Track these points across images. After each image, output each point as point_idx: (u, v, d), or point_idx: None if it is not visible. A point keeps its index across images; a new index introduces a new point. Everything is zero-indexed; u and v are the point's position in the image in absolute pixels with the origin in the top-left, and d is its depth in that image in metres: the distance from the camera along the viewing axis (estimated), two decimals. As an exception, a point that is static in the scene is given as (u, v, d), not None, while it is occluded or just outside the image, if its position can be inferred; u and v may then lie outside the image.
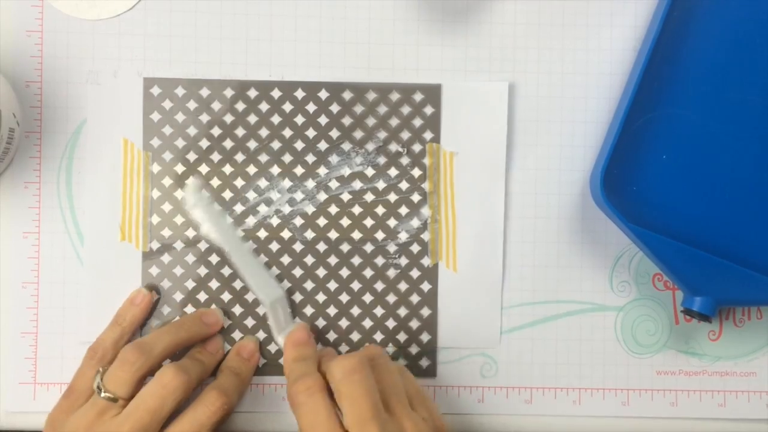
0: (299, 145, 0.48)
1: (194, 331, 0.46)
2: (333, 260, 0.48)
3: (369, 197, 0.48)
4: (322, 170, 0.48)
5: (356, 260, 0.48)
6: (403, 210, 0.49)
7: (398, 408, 0.41)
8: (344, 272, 0.48)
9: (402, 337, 0.49)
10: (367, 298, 0.48)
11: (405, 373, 0.44)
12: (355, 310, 0.48)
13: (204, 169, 0.48)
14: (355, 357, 0.41)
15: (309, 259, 0.48)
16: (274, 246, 0.48)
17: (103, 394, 0.42)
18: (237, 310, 0.48)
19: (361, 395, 0.40)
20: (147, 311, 0.47)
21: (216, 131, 0.48)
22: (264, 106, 0.48)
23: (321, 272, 0.48)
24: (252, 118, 0.48)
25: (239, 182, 0.48)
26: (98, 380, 0.43)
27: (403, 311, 0.49)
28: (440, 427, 0.42)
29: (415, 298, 0.49)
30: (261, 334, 0.48)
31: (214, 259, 0.48)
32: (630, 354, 0.49)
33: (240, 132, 0.48)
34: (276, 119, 0.48)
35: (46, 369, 0.47)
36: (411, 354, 0.49)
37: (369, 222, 0.48)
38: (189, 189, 0.48)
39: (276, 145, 0.48)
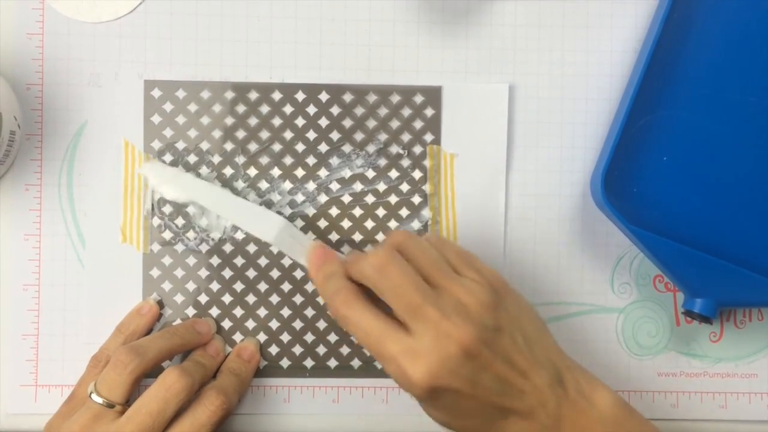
0: (300, 147, 0.48)
1: (187, 339, 0.46)
2: (334, 262, 0.48)
3: (370, 199, 0.48)
4: (323, 172, 0.48)
5: (357, 262, 0.48)
6: (404, 212, 0.49)
7: (444, 280, 0.39)
8: (345, 274, 0.48)
9: (403, 338, 0.48)
10: (368, 299, 0.48)
11: (438, 241, 0.42)
12: (356, 312, 0.48)
13: (204, 171, 0.48)
14: (381, 250, 0.39)
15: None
16: (275, 247, 0.48)
17: (94, 397, 0.42)
18: (238, 312, 0.48)
19: (402, 284, 0.38)
20: (152, 323, 0.47)
21: (216, 133, 0.48)
22: (264, 108, 0.48)
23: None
24: (252, 120, 0.48)
25: (240, 184, 0.48)
26: (92, 385, 0.42)
27: (403, 313, 0.48)
28: (494, 281, 0.40)
29: (415, 300, 0.49)
30: (262, 336, 0.48)
31: (215, 261, 0.48)
32: (631, 355, 0.49)
33: (240, 134, 0.48)
34: (276, 121, 0.48)
35: (47, 371, 0.48)
36: (412, 356, 0.48)
37: (370, 224, 0.48)
38: (145, 171, 0.47)
39: (277, 147, 0.48)
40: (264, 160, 0.48)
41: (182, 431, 0.42)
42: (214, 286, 0.48)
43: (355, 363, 0.48)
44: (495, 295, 0.39)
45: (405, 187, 0.49)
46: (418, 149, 0.49)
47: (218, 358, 0.47)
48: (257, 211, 0.46)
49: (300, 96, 0.48)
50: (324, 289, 0.42)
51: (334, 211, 0.48)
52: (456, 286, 0.39)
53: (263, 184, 0.48)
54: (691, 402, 0.49)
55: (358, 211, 0.48)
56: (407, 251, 0.40)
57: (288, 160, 0.48)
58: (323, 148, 0.48)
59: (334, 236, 0.48)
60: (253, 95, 0.48)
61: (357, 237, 0.48)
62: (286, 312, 0.48)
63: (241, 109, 0.48)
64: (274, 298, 0.48)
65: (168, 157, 0.48)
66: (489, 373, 0.38)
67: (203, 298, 0.48)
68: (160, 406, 0.41)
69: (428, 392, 0.38)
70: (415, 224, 0.48)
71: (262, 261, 0.48)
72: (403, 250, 0.40)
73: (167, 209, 0.48)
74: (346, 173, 0.48)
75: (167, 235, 0.48)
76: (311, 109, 0.48)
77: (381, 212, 0.48)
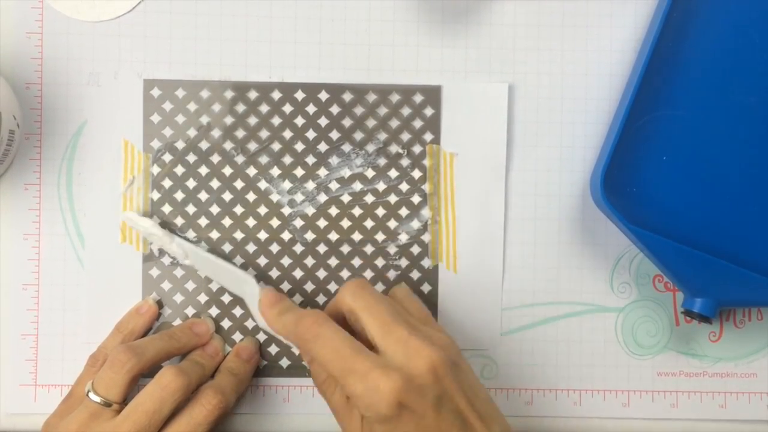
0: (299, 146, 0.48)
1: (184, 341, 0.46)
2: (333, 262, 0.48)
3: (369, 198, 0.48)
4: (323, 171, 0.48)
5: (356, 262, 0.48)
6: (404, 211, 0.49)
7: (410, 322, 0.41)
8: (344, 274, 0.48)
9: (402, 338, 0.48)
10: (368, 299, 0.48)
11: (404, 295, 0.45)
12: (356, 312, 0.48)
13: (204, 170, 0.48)
14: (357, 279, 0.42)
15: (309, 261, 0.48)
16: (275, 247, 0.48)
17: (92, 396, 0.42)
18: (237, 311, 0.48)
19: (376, 303, 0.40)
20: (151, 323, 0.47)
21: (216, 133, 0.48)
22: (264, 108, 0.48)
23: (321, 274, 0.48)
24: (252, 120, 0.48)
25: (239, 184, 0.48)
26: (90, 384, 0.42)
27: (403, 312, 0.48)
28: (450, 342, 0.41)
29: (415, 300, 0.49)
30: (261, 336, 0.48)
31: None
32: (630, 355, 0.49)
33: (240, 133, 0.48)
34: (276, 121, 0.48)
35: (47, 371, 0.47)
36: (411, 355, 0.48)
37: (369, 223, 0.48)
38: (126, 219, 0.47)
39: (276, 146, 0.48)
40: (263, 159, 0.48)
41: (179, 430, 0.42)
42: (214, 286, 0.48)
43: (355, 362, 0.48)
44: (454, 343, 0.41)
45: (404, 186, 0.49)
46: (417, 149, 0.49)
47: (217, 357, 0.47)
48: (234, 272, 0.46)
49: (299, 95, 0.48)
50: (282, 320, 0.42)
51: (333, 211, 0.48)
52: (420, 325, 0.41)
53: (262, 184, 0.48)
54: (690, 402, 0.49)
55: (357, 211, 0.48)
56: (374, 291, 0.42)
57: (287, 160, 0.48)
58: (323, 147, 0.48)
59: (333, 236, 0.48)
60: (253, 94, 0.48)
61: (356, 236, 0.48)
62: (285, 311, 0.48)
63: (240, 108, 0.48)
64: (274, 298, 0.48)
65: (167, 157, 0.48)
66: (452, 404, 0.38)
67: (202, 298, 0.48)
68: (156, 404, 0.41)
69: (396, 407, 0.37)
70: (415, 224, 0.48)
71: (262, 260, 0.48)
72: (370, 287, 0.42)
73: (167, 209, 0.48)
74: (346, 173, 0.48)
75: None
76: (311, 109, 0.48)
77: (380, 212, 0.48)
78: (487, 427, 0.39)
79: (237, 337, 0.48)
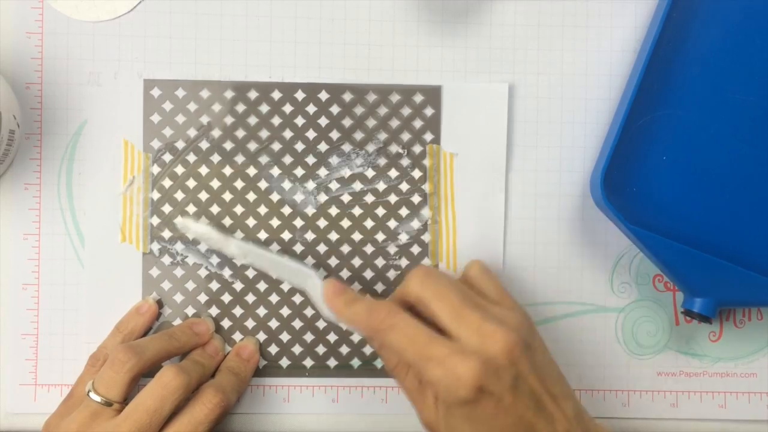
0: (299, 146, 0.48)
1: (184, 340, 0.46)
2: (333, 261, 0.48)
3: (369, 198, 0.48)
4: (323, 171, 0.48)
5: (356, 261, 0.48)
6: (404, 211, 0.49)
7: (480, 302, 0.41)
8: (345, 273, 0.48)
9: (402, 338, 0.48)
10: (368, 298, 0.48)
11: (479, 276, 0.44)
12: (356, 312, 0.48)
13: (204, 170, 0.48)
14: (422, 266, 0.42)
15: (309, 261, 0.48)
16: (275, 247, 0.48)
17: (92, 396, 0.42)
18: (237, 311, 0.48)
19: (445, 289, 0.40)
20: (151, 322, 0.47)
21: (216, 133, 0.48)
22: (264, 108, 0.48)
23: (321, 273, 0.48)
24: (252, 120, 0.48)
25: (239, 183, 0.48)
26: (90, 384, 0.42)
27: (403, 312, 0.48)
28: (523, 320, 0.41)
29: (415, 300, 0.49)
30: (261, 336, 0.48)
31: (214, 260, 0.48)
32: (630, 355, 0.49)
33: (240, 133, 0.48)
34: (276, 120, 0.48)
35: (47, 370, 0.47)
36: (411, 355, 0.48)
37: (369, 223, 0.48)
38: (182, 226, 0.47)
39: (276, 146, 0.48)
40: (263, 159, 0.48)
41: (180, 429, 0.42)
42: (214, 286, 0.48)
43: (355, 362, 0.48)
44: (528, 320, 0.41)
45: (405, 186, 0.49)
46: (417, 148, 0.49)
47: (217, 357, 0.47)
48: (292, 265, 0.46)
49: (300, 95, 0.48)
50: (352, 310, 0.42)
51: (333, 211, 0.48)
52: (491, 307, 0.41)
53: (263, 184, 0.48)
54: (690, 401, 0.49)
55: (357, 211, 0.48)
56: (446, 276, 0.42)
57: (287, 160, 0.48)
58: (323, 147, 0.48)
59: (333, 235, 0.48)
60: (253, 94, 0.48)
61: (356, 236, 0.48)
62: (285, 311, 0.48)
63: (240, 108, 0.48)
64: (274, 298, 0.48)
65: (167, 156, 0.48)
66: (527, 386, 0.39)
67: (203, 298, 0.48)
68: (156, 403, 0.41)
69: (475, 391, 0.37)
70: (415, 223, 0.48)
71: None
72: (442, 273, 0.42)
73: (166, 234, 0.48)
74: (346, 172, 0.48)
75: (166, 234, 0.48)
76: (311, 109, 0.48)
77: (380, 211, 0.48)
78: (559, 407, 0.39)
79: (237, 336, 0.48)
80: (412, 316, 0.40)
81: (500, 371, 0.38)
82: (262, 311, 0.48)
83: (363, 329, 0.42)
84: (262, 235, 0.48)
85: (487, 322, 0.39)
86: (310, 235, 0.48)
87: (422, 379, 0.41)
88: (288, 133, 0.48)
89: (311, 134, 0.48)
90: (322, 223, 0.48)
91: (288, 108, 0.48)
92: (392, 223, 0.48)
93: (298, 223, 0.48)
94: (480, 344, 0.38)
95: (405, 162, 0.49)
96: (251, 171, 0.48)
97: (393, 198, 0.49)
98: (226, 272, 0.48)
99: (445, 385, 0.38)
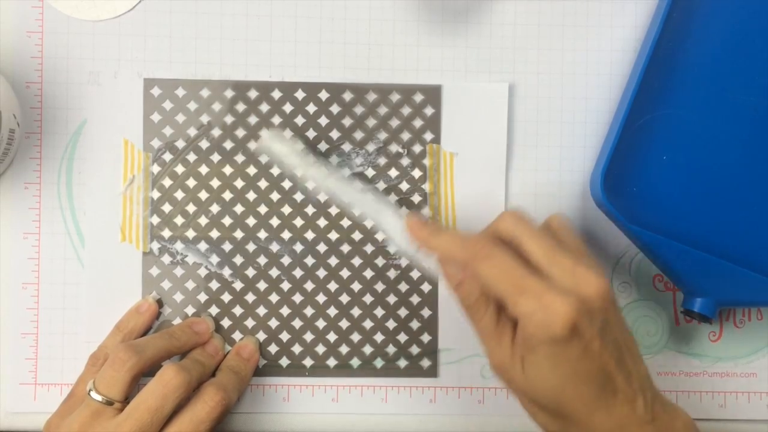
0: (299, 146, 0.48)
1: (185, 340, 0.46)
2: (333, 261, 0.48)
3: (369, 198, 0.48)
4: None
5: (356, 261, 0.48)
6: (404, 211, 0.48)
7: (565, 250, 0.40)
8: (344, 273, 0.48)
9: (402, 337, 0.49)
10: (368, 298, 0.48)
11: (561, 229, 0.43)
12: (356, 311, 0.48)
13: (204, 169, 0.48)
14: (514, 209, 0.41)
15: (309, 260, 0.48)
16: (275, 247, 0.48)
17: (93, 395, 0.42)
18: (237, 311, 0.48)
19: (539, 231, 0.40)
20: (151, 321, 0.47)
21: (216, 132, 0.48)
22: (264, 107, 0.48)
23: (321, 273, 0.48)
24: (252, 119, 0.48)
25: (239, 183, 0.48)
26: (91, 383, 0.42)
27: (403, 312, 0.49)
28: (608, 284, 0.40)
29: (415, 299, 0.49)
30: (261, 335, 0.48)
31: (214, 260, 0.48)
32: (630, 355, 0.49)
33: (240, 133, 0.48)
34: (276, 120, 0.48)
35: (47, 370, 0.47)
36: (412, 354, 0.49)
37: (369, 223, 0.48)
38: (267, 140, 0.47)
39: (276, 145, 0.48)
40: (264, 158, 0.48)
41: (181, 428, 0.42)
42: (214, 285, 0.48)
43: (355, 362, 0.48)
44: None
45: (405, 186, 0.49)
46: (417, 148, 0.49)
47: (217, 356, 0.47)
48: (378, 204, 0.45)
49: (300, 95, 0.48)
50: (442, 238, 0.41)
51: (333, 210, 0.48)
52: (579, 254, 0.40)
53: (263, 183, 0.48)
54: (690, 401, 0.49)
55: (357, 210, 0.48)
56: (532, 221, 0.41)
57: (288, 159, 0.48)
58: (323, 146, 0.48)
59: (333, 235, 0.48)
60: (253, 94, 0.48)
61: (356, 236, 0.48)
62: (285, 311, 0.48)
63: (240, 107, 0.48)
64: (274, 297, 0.48)
65: (168, 156, 0.48)
66: (612, 336, 0.39)
67: (202, 297, 0.48)
68: (158, 402, 0.41)
69: (569, 330, 0.37)
70: (415, 223, 0.48)
71: (261, 260, 0.48)
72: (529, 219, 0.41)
73: (166, 233, 0.48)
74: (346, 172, 0.48)
75: (166, 233, 0.48)
76: (311, 108, 0.48)
77: (381, 211, 0.48)
78: (636, 365, 0.40)
79: (237, 336, 0.48)
80: (510, 250, 0.39)
81: (593, 314, 0.38)
82: (262, 311, 0.48)
83: (456, 255, 0.41)
84: (263, 234, 0.48)
85: (580, 265, 0.38)
86: (310, 234, 0.48)
87: (511, 312, 0.39)
88: (288, 133, 0.48)
89: (311, 134, 0.48)
90: (322, 222, 0.48)
91: (288, 107, 0.48)
92: (392, 223, 0.48)
93: (299, 222, 0.48)
94: (575, 285, 0.38)
95: (405, 162, 0.49)
96: (251, 170, 0.48)
97: (393, 198, 0.49)
98: (226, 272, 0.48)
99: (539, 319, 0.37)
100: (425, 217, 0.43)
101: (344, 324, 0.48)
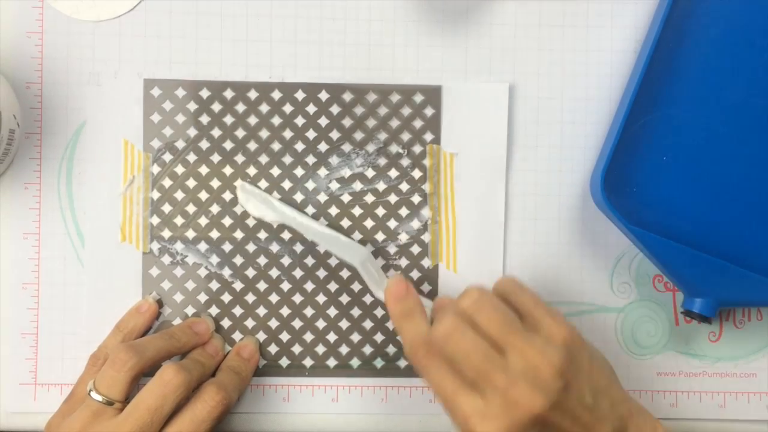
0: (299, 146, 0.48)
1: (185, 340, 0.46)
2: (333, 261, 0.48)
3: (369, 198, 0.48)
4: (323, 171, 0.48)
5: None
6: (404, 211, 0.49)
7: (515, 340, 0.40)
8: (344, 273, 0.48)
9: (402, 338, 0.49)
10: (368, 299, 0.48)
11: (513, 287, 0.43)
12: (356, 311, 0.48)
13: (204, 170, 0.48)
14: (449, 315, 0.40)
15: (309, 260, 0.48)
16: (275, 247, 0.48)
17: (93, 395, 0.42)
18: (237, 311, 0.48)
19: (469, 351, 0.39)
20: (151, 321, 0.47)
21: (216, 132, 0.48)
22: (264, 108, 0.48)
23: (321, 273, 0.48)
24: (252, 120, 0.48)
25: (239, 183, 0.48)
26: (91, 383, 0.42)
27: (403, 312, 0.48)
28: (568, 335, 0.40)
29: (415, 299, 0.49)
30: (261, 335, 0.48)
31: (214, 260, 0.48)
32: (630, 355, 0.49)
33: (240, 133, 0.48)
34: (276, 120, 0.48)
35: (47, 370, 0.48)
36: (411, 355, 0.49)
37: (369, 223, 0.48)
38: (239, 190, 0.48)
39: (276, 146, 0.48)
40: (263, 159, 0.48)
41: (182, 427, 0.42)
42: (214, 285, 0.48)
43: (354, 362, 0.48)
44: (567, 353, 0.40)
45: (405, 186, 0.49)
46: (417, 148, 0.49)
47: (217, 357, 0.47)
48: (346, 240, 0.47)
49: (300, 95, 0.48)
50: (403, 324, 0.43)
51: (333, 211, 0.48)
52: (527, 347, 0.39)
53: (263, 183, 0.48)
54: (690, 401, 0.49)
55: (357, 211, 0.48)
56: (478, 314, 0.40)
57: (287, 160, 0.48)
58: (323, 147, 0.48)
59: (333, 235, 0.48)
60: (253, 94, 0.48)
61: (356, 236, 0.48)
62: (285, 311, 0.48)
63: (240, 108, 0.48)
64: (274, 297, 0.48)
65: (167, 156, 0.48)
66: (581, 394, 0.39)
67: (202, 297, 0.48)
68: (158, 401, 0.41)
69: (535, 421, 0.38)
70: (415, 223, 0.48)
71: (261, 260, 0.48)
72: (473, 313, 0.40)
73: (166, 234, 0.48)
74: (346, 172, 0.48)
75: (166, 233, 0.48)
76: (311, 109, 0.48)
77: (380, 211, 0.48)
78: (611, 400, 0.41)
79: (237, 336, 0.48)
80: (444, 361, 0.40)
81: (553, 393, 0.38)
82: (262, 311, 0.48)
83: (405, 348, 0.42)
84: (262, 234, 0.48)
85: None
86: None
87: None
88: (288, 133, 0.48)
89: (311, 134, 0.48)
90: (322, 223, 0.48)
91: (288, 108, 0.48)
92: (392, 223, 0.48)
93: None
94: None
95: (405, 162, 0.49)
96: (251, 171, 0.48)
97: (393, 198, 0.49)
98: (226, 272, 0.48)
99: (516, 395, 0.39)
100: (405, 286, 0.44)
101: (344, 324, 0.48)
